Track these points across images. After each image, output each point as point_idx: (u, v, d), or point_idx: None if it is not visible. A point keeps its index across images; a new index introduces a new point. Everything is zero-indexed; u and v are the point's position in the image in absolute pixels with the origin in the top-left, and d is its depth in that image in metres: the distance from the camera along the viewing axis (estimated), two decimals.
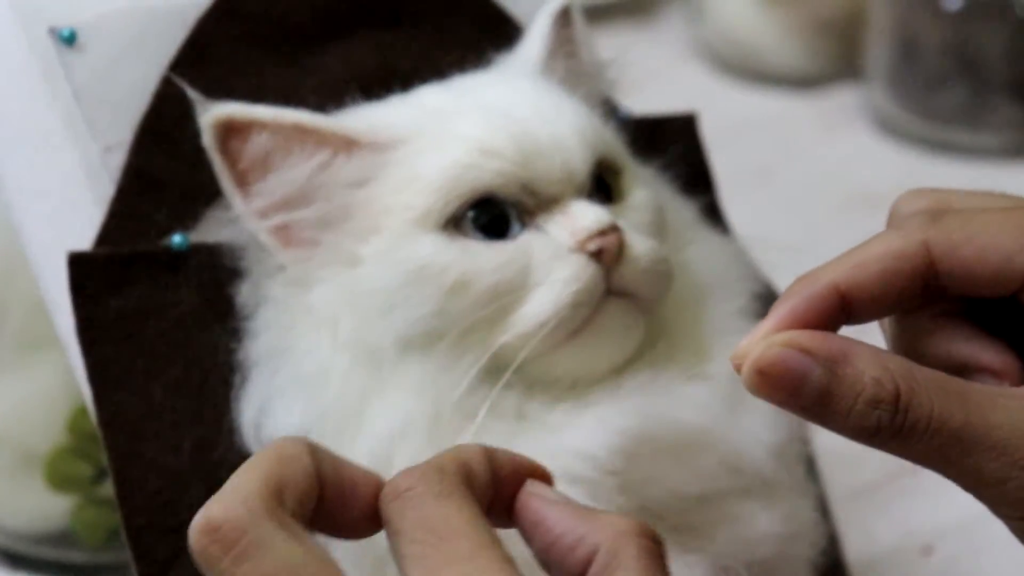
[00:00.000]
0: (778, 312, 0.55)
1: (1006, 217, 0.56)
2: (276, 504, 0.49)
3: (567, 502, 0.52)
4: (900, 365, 0.53)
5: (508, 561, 0.48)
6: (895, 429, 0.53)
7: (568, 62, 0.72)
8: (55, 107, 0.69)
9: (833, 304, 0.55)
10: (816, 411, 0.53)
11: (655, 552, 0.50)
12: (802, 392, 0.53)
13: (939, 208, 0.56)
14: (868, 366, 0.53)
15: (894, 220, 0.58)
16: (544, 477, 0.53)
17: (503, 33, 0.74)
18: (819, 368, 0.53)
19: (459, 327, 0.64)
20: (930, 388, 0.53)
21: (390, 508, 0.50)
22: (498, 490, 0.52)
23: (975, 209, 0.56)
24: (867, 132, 1.27)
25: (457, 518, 0.49)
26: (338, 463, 0.52)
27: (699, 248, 0.71)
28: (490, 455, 0.52)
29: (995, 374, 0.56)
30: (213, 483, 0.64)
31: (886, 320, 0.58)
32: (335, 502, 0.51)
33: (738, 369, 0.54)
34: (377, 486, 0.52)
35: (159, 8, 0.70)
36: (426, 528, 0.49)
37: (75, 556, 0.86)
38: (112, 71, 0.69)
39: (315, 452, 0.51)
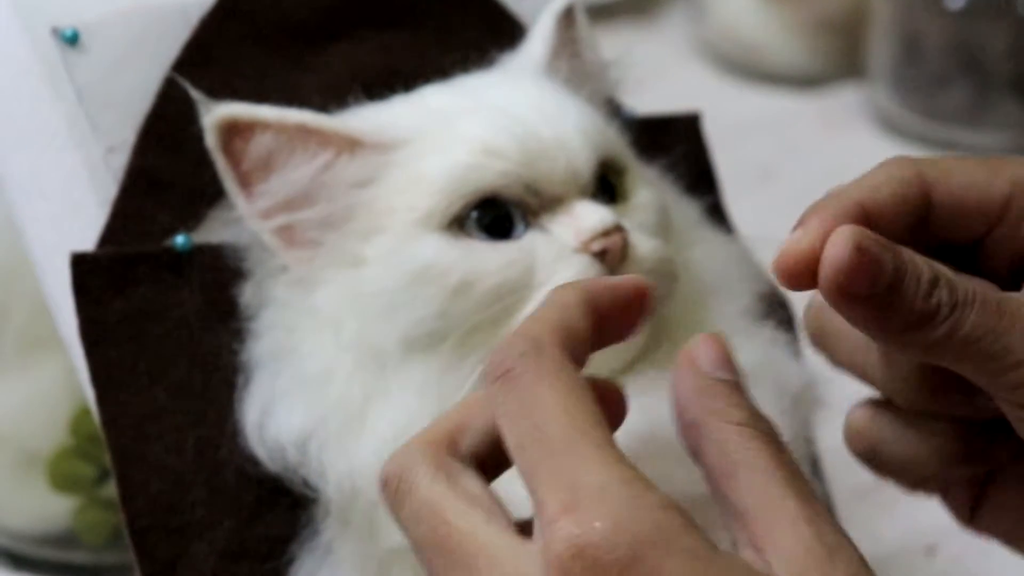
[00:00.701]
0: (812, 222, 0.56)
1: (983, 160, 0.59)
2: (438, 450, 0.53)
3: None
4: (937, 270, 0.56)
5: (606, 444, 0.50)
6: (952, 305, 0.55)
7: (572, 62, 0.72)
8: (58, 107, 0.69)
9: (861, 221, 0.56)
10: (886, 300, 0.55)
11: None
12: (879, 280, 0.55)
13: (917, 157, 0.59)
14: (913, 254, 0.55)
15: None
16: (642, 295, 0.55)
17: (506, 33, 0.74)
18: (889, 255, 0.55)
19: (463, 328, 0.64)
20: (956, 275, 0.56)
21: (492, 388, 0.52)
22: (603, 326, 0.54)
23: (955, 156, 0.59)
24: (870, 131, 1.27)
25: (552, 402, 0.51)
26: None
27: (703, 248, 0.71)
28: (588, 297, 0.54)
29: None
30: (216, 484, 0.64)
31: None
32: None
33: (782, 274, 0.56)
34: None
35: (162, 8, 0.70)
36: (523, 414, 0.51)
37: (78, 557, 0.86)
38: (115, 71, 0.69)
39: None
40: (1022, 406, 0.57)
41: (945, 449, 0.63)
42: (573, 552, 0.48)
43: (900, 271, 0.55)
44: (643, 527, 0.49)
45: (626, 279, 0.56)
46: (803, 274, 0.55)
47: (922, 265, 0.55)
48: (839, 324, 0.61)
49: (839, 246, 0.54)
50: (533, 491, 0.50)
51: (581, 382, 0.52)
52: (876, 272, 0.54)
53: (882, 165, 0.59)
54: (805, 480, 0.52)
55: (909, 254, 0.55)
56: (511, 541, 0.51)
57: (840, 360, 0.64)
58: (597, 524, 0.48)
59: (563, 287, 0.55)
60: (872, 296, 0.55)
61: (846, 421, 0.63)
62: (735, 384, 0.53)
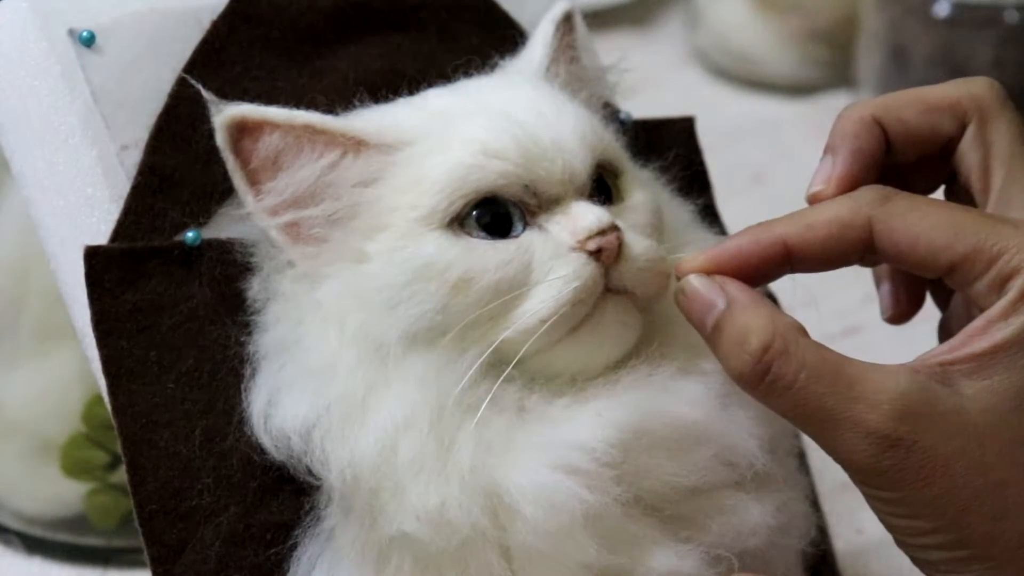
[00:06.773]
0: (725, 245, 0.62)
1: (946, 214, 0.62)
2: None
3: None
4: (788, 329, 0.61)
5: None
6: (755, 378, 0.60)
7: (570, 67, 0.73)
8: (74, 106, 0.70)
9: (778, 253, 0.62)
10: (710, 342, 0.62)
11: None
12: (706, 321, 0.62)
13: (887, 193, 0.63)
14: (759, 318, 0.60)
15: (835, 135, 0.66)
16: None
17: (508, 38, 0.75)
18: (723, 304, 0.61)
19: (462, 323, 0.64)
20: (808, 360, 0.60)
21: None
22: None
23: (923, 199, 0.62)
24: None
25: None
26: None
27: (695, 248, 0.71)
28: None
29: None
30: (222, 471, 0.65)
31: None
32: None
33: (678, 279, 0.63)
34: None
35: (175, 12, 0.71)
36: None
37: (89, 540, 0.87)
38: (129, 72, 0.70)
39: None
40: (858, 481, 0.62)
41: None
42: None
43: (721, 323, 0.61)
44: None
45: None
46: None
47: (744, 326, 0.61)
48: None
49: (681, 281, 0.63)
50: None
51: None
52: (703, 313, 0.62)
53: (839, 201, 0.63)
54: None
55: (746, 315, 0.61)
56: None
57: None
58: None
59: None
60: (702, 332, 0.63)
61: None
62: None
